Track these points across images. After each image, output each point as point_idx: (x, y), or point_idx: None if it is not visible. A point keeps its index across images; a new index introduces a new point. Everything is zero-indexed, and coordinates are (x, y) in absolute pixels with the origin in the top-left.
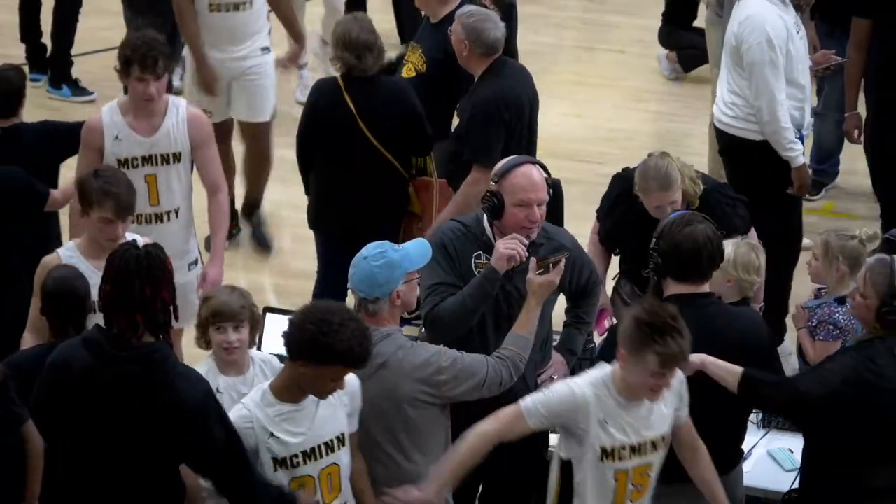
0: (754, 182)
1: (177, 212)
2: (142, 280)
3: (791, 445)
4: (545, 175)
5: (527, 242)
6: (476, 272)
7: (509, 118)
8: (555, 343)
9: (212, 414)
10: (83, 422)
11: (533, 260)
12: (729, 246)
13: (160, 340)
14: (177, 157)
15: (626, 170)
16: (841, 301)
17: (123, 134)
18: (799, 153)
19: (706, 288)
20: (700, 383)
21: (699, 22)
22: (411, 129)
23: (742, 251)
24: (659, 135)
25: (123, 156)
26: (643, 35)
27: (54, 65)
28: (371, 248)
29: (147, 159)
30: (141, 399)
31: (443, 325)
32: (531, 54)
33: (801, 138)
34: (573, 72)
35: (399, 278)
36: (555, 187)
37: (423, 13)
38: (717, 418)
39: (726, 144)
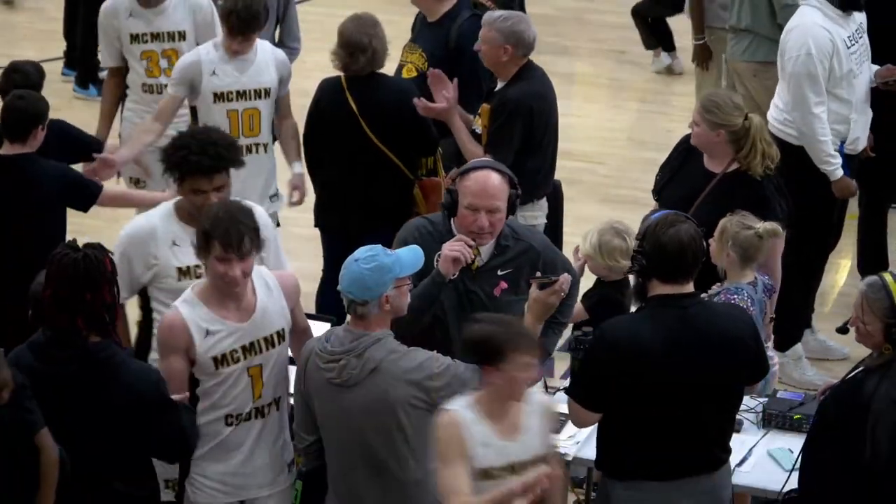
0: (793, 185)
1: (277, 402)
2: (81, 285)
3: (791, 445)
4: (509, 183)
5: (472, 244)
6: None
7: (536, 123)
8: None
9: (162, 404)
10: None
11: (540, 276)
12: (595, 234)
13: (106, 339)
14: (281, 337)
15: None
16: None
17: (215, 327)
18: (836, 166)
19: (690, 287)
20: (686, 381)
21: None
22: (413, 128)
23: (605, 238)
24: (659, 135)
25: (220, 352)
26: None
27: (82, 65)
28: (363, 252)
29: (248, 349)
30: (85, 398)
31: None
32: (531, 54)
33: (842, 152)
34: (573, 72)
35: (389, 283)
36: (555, 189)
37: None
38: (703, 417)
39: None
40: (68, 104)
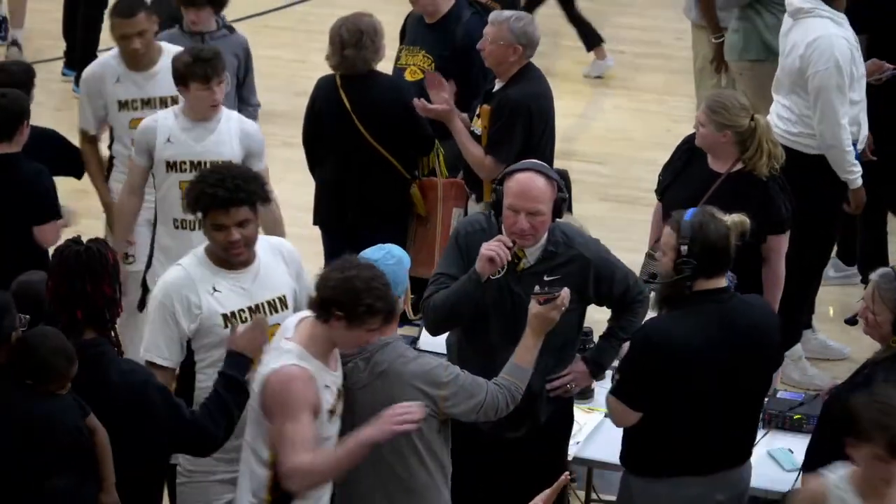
0: (800, 192)
1: None
2: (81, 276)
3: (791, 445)
4: (555, 187)
5: (511, 245)
6: None
7: (536, 123)
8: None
9: (152, 404)
10: None
11: (537, 287)
12: None
13: (104, 336)
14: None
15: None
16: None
17: (328, 381)
18: (858, 175)
19: (724, 281)
20: (730, 374)
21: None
22: (408, 126)
23: None
24: (659, 135)
25: (331, 405)
26: (643, 35)
27: (82, 65)
28: (375, 251)
29: (338, 397)
30: (77, 394)
31: (430, 316)
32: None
33: (856, 154)
34: (573, 72)
35: (407, 276)
36: (561, 176)
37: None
38: (741, 409)
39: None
40: (68, 104)
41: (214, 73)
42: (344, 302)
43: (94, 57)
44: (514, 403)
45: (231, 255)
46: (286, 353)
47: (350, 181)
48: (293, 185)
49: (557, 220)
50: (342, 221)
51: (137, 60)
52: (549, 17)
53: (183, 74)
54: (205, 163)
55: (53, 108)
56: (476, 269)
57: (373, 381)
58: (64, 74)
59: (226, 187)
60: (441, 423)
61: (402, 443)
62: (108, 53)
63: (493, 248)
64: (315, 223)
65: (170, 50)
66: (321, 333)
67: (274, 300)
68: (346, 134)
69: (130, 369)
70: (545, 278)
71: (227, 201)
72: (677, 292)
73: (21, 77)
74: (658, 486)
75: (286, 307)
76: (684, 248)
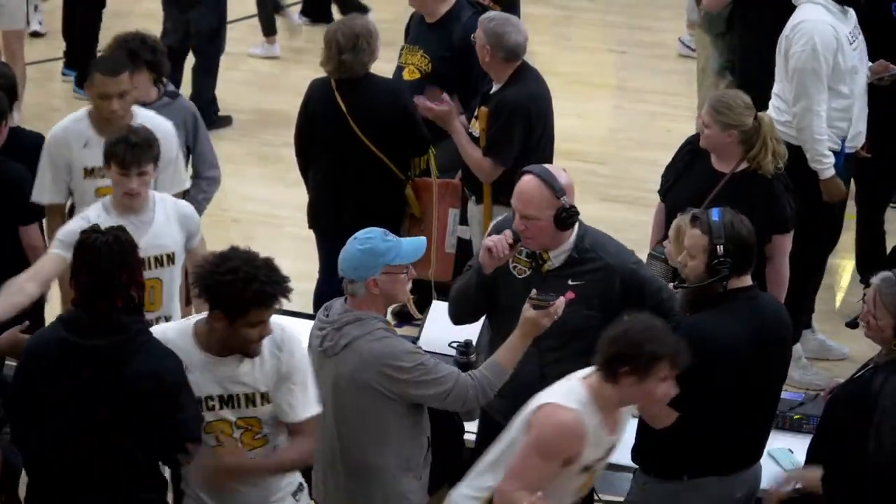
0: (795, 185)
1: None
2: (118, 268)
3: (791, 445)
4: (555, 195)
5: (511, 240)
6: (510, 266)
7: (534, 124)
8: None
9: (184, 390)
10: (63, 397)
11: (534, 291)
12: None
13: (137, 314)
14: None
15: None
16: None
17: (600, 438)
18: (828, 166)
19: (750, 279)
20: (763, 372)
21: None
22: (403, 129)
23: None
24: (659, 135)
25: (587, 464)
26: (643, 35)
27: (82, 65)
28: (364, 232)
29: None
30: (118, 367)
31: (449, 306)
32: (532, 54)
33: (844, 150)
34: (573, 72)
35: (378, 267)
36: None
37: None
38: (765, 406)
39: None
40: (68, 104)
41: (135, 161)
42: (627, 355)
43: (94, 57)
44: (484, 399)
45: (253, 350)
46: (576, 391)
47: (346, 184)
48: (293, 186)
49: (587, 227)
50: (338, 224)
51: (111, 125)
52: (551, 16)
53: (106, 153)
54: (148, 259)
55: (53, 107)
56: (479, 259)
57: (340, 353)
58: (64, 74)
59: (277, 282)
60: (407, 409)
61: (354, 417)
62: (74, 115)
63: (494, 240)
64: (310, 226)
65: (143, 115)
66: (609, 394)
67: (252, 394)
68: (341, 137)
69: (167, 350)
70: (569, 282)
71: (275, 298)
72: (709, 294)
73: (12, 78)
74: (679, 487)
75: (267, 402)
76: (720, 248)
